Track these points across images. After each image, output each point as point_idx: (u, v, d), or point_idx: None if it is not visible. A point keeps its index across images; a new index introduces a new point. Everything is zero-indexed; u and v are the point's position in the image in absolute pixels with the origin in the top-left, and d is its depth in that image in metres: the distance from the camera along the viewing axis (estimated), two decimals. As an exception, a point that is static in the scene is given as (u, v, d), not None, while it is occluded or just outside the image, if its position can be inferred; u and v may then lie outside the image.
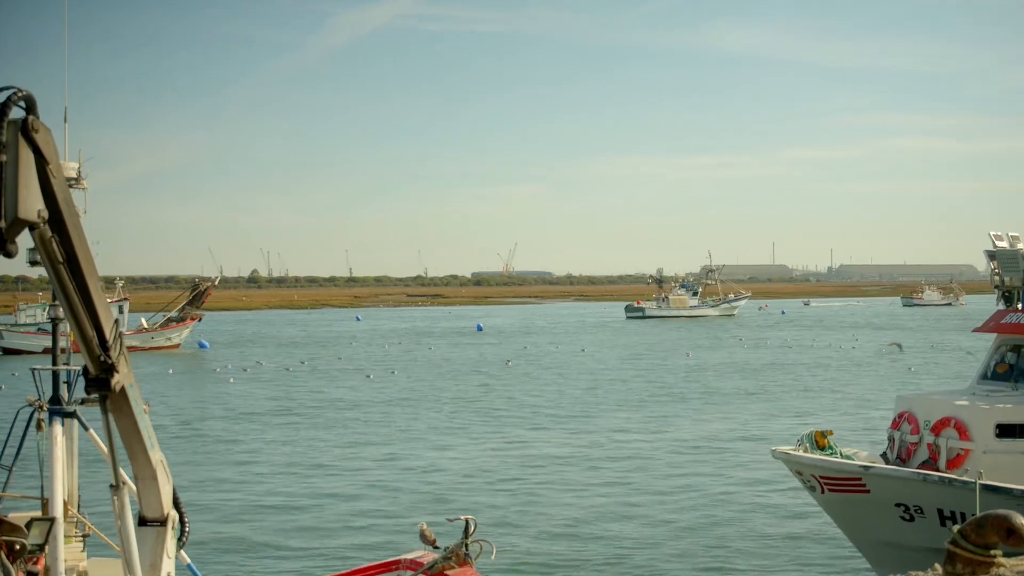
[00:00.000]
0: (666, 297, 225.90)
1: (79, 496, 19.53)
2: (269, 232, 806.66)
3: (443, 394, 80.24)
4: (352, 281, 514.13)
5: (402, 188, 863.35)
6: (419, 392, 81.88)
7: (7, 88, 9.63)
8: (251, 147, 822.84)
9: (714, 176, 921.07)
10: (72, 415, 18.10)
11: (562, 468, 49.48)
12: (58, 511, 16.87)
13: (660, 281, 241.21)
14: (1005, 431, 30.11)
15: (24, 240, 9.88)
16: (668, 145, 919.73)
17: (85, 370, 12.01)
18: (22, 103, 9.65)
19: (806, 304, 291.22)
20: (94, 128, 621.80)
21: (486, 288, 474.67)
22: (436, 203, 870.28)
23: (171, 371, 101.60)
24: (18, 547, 12.97)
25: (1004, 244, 34.36)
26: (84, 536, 19.62)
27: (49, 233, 10.33)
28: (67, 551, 17.71)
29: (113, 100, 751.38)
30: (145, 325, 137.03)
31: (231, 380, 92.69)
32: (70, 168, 17.66)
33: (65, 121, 18.64)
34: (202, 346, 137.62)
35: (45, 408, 18.11)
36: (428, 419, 66.38)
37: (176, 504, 14.91)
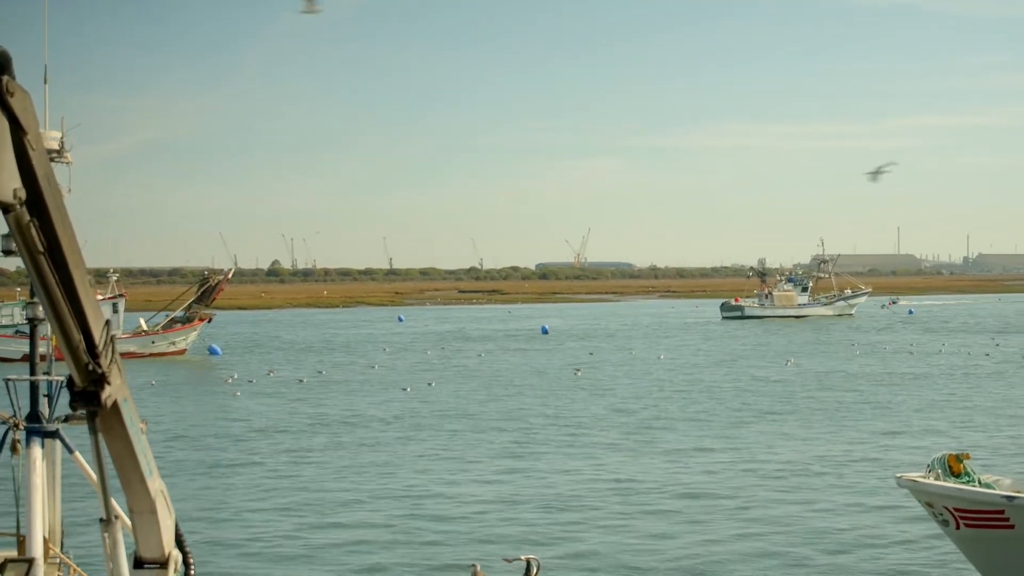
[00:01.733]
0: (769, 293, 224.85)
1: (62, 532, 19.58)
2: (292, 216, 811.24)
3: (496, 411, 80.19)
4: (392, 274, 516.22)
5: (452, 164, 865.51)
6: (466, 408, 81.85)
7: (-25, 44, 9.62)
8: (270, 114, 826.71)
9: (828, 147, 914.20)
10: (54, 435, 18.14)
11: (638, 497, 49.26)
12: (37, 550, 16.94)
13: (763, 274, 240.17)
14: None
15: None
16: (773, 111, 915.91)
17: (70, 381, 11.96)
18: (-6, 61, 9.64)
19: (894, 303, 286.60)
20: (80, 91, 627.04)
21: (553, 282, 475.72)
22: (493, 182, 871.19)
23: (154, 383, 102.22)
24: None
25: None
26: (68, 580, 19.68)
27: (27, 216, 10.27)
28: (49, 597, 17.80)
29: (103, 58, 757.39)
30: (144, 327, 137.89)
31: (237, 393, 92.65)
32: (52, 138, 17.78)
33: (45, 82, 18.76)
34: (212, 352, 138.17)
35: (22, 426, 18.16)
36: (478, 441, 66.34)
37: (179, 542, 14.89)
